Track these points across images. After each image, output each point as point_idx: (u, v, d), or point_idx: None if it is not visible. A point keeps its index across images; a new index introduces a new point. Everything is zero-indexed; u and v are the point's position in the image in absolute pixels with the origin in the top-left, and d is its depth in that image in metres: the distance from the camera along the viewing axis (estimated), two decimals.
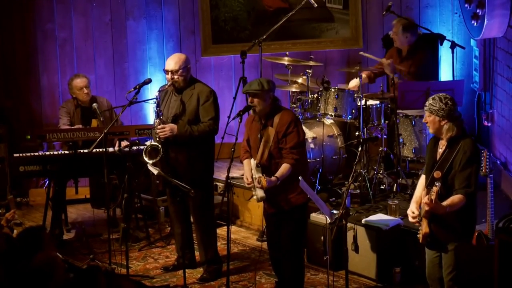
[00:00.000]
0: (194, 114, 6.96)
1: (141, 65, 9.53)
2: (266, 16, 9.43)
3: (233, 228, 8.16)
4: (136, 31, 9.47)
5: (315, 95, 8.19)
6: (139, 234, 8.16)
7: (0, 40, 9.35)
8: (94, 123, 8.22)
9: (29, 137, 7.98)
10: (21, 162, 7.87)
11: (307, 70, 8.29)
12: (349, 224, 6.94)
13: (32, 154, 7.94)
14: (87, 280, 4.77)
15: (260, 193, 6.30)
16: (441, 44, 8.69)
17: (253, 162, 6.40)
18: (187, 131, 6.90)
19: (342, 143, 8.24)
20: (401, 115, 7.97)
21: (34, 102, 9.43)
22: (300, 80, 8.52)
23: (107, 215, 7.41)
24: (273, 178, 6.28)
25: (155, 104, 6.96)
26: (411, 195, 6.95)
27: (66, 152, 8.01)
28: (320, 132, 8.12)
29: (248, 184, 6.44)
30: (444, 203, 5.45)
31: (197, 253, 7.44)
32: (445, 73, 9.25)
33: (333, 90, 8.05)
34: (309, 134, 7.99)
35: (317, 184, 7.94)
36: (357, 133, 7.96)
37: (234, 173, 8.16)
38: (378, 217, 7.16)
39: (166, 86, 7.04)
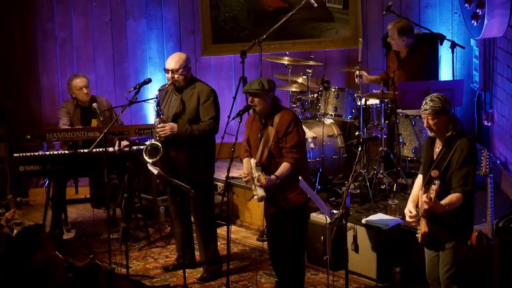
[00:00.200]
0: (195, 113, 6.96)
1: (141, 65, 9.53)
2: (266, 16, 9.43)
3: (233, 228, 8.15)
4: (136, 31, 9.47)
5: (315, 95, 8.20)
6: (139, 234, 8.16)
7: (0, 40, 9.35)
8: (94, 123, 8.21)
9: (29, 137, 7.97)
10: (21, 162, 7.87)
11: (307, 70, 8.29)
12: (349, 224, 6.94)
13: (32, 154, 7.94)
14: (86, 278, 4.77)
15: (260, 192, 6.30)
16: (441, 44, 8.69)
17: (253, 161, 6.40)
18: (187, 130, 6.90)
19: (342, 142, 8.24)
20: (401, 115, 7.97)
21: (34, 102, 9.43)
22: (300, 80, 8.52)
23: (107, 215, 7.40)
24: (272, 176, 6.28)
25: (155, 103, 6.96)
26: None
27: (66, 152, 8.01)
28: (320, 131, 8.12)
29: (244, 177, 6.43)
30: (443, 201, 5.44)
31: (197, 253, 7.44)
32: (445, 73, 9.25)
33: (333, 89, 8.05)
34: (309, 133, 7.99)
35: (317, 184, 7.94)
36: (357, 133, 7.97)
37: (234, 173, 8.16)
38: (378, 217, 7.16)
39: (167, 85, 7.04)
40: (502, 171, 8.31)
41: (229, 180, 6.49)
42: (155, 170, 6.82)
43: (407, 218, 5.69)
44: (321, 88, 8.11)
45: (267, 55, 8.93)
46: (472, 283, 6.13)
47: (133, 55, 9.50)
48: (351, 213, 7.17)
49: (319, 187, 7.98)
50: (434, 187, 5.35)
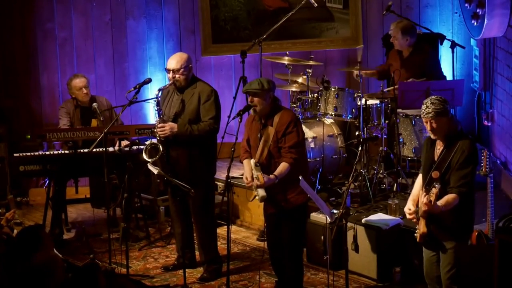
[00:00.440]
0: (195, 113, 6.95)
1: (141, 64, 9.53)
2: (266, 16, 9.43)
3: (233, 227, 8.15)
4: (136, 30, 9.47)
5: (315, 95, 8.20)
6: (139, 234, 8.16)
7: (0, 40, 9.35)
8: (94, 122, 8.21)
9: (29, 136, 7.98)
10: (21, 162, 7.86)
11: (307, 70, 8.29)
12: (349, 224, 6.94)
13: (32, 153, 7.94)
14: (86, 278, 4.77)
15: (261, 192, 6.30)
16: (441, 44, 8.69)
17: (252, 161, 6.40)
18: (187, 130, 6.90)
19: (342, 142, 8.24)
20: (401, 114, 7.97)
21: (34, 102, 9.42)
22: (300, 80, 8.52)
23: (107, 215, 7.41)
24: (271, 176, 6.28)
25: (155, 103, 6.96)
26: None
27: (66, 151, 8.00)
28: (320, 131, 8.12)
29: (247, 183, 6.44)
30: (439, 202, 5.44)
31: (197, 253, 7.44)
32: (445, 73, 9.23)
33: (333, 89, 8.06)
34: (309, 133, 7.99)
35: (317, 184, 7.94)
36: (357, 133, 7.97)
37: (234, 172, 8.16)
38: (378, 216, 7.16)
39: (167, 85, 7.04)
40: (502, 171, 8.31)
41: (229, 180, 6.49)
42: (155, 170, 6.81)
43: (407, 215, 5.70)
44: (321, 88, 8.11)
45: (267, 55, 8.93)
46: (472, 283, 6.13)
47: (133, 55, 9.50)
48: (351, 213, 7.17)
49: (319, 187, 7.98)
50: (434, 190, 5.35)
